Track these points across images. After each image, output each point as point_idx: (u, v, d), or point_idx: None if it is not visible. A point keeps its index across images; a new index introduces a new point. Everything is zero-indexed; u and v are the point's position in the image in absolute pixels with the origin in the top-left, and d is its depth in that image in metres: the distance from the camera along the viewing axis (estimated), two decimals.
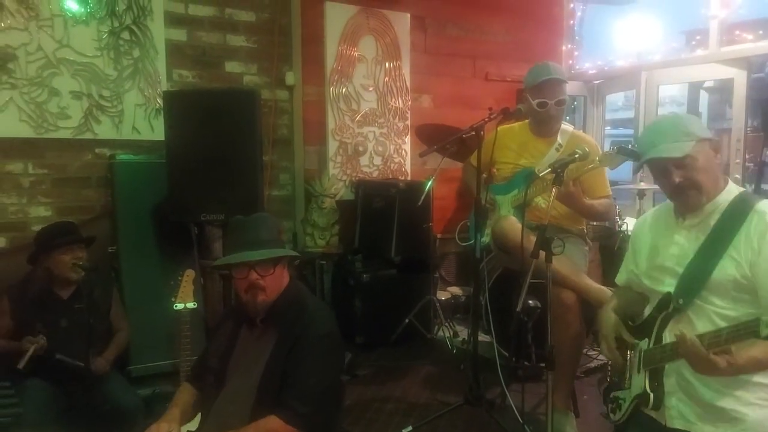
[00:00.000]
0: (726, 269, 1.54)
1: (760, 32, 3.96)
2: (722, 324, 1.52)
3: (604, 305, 1.90)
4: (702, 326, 1.55)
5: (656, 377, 1.64)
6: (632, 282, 1.88)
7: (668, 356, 1.59)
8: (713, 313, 1.56)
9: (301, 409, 1.75)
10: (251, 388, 1.84)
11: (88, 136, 3.53)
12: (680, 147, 1.59)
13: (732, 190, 1.65)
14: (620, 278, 1.96)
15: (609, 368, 1.89)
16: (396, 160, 4.60)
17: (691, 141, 1.60)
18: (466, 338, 3.44)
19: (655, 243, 1.76)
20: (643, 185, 4.08)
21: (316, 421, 1.79)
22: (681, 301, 1.60)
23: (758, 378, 1.52)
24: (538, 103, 2.78)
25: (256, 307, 1.88)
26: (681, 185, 1.62)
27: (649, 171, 1.75)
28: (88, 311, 2.61)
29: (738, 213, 1.58)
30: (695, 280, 1.59)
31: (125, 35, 3.60)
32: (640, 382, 1.67)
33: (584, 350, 3.31)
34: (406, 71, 4.56)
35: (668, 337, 1.62)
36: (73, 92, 3.47)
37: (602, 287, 2.52)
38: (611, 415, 1.81)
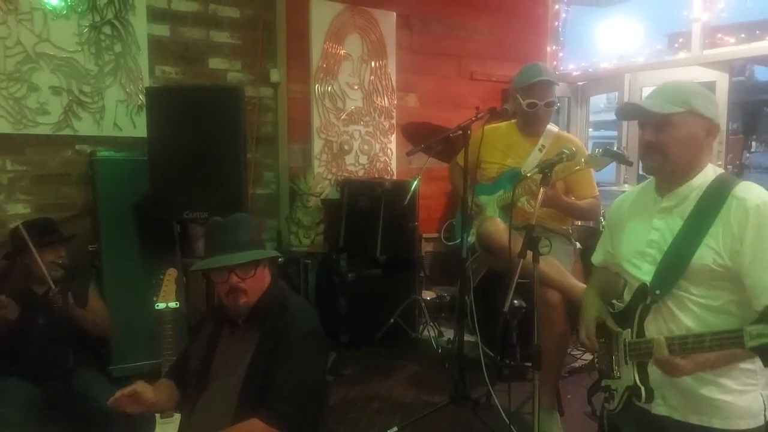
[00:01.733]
0: (703, 258, 1.50)
1: (742, 35, 4.01)
2: (705, 314, 1.51)
3: (585, 287, 1.89)
4: (684, 317, 1.54)
5: (644, 368, 1.61)
6: (609, 263, 1.85)
7: (648, 354, 1.57)
8: (693, 304, 1.53)
9: (283, 410, 1.73)
10: (234, 389, 1.82)
11: (68, 132, 3.47)
12: (663, 106, 1.54)
13: (709, 173, 1.58)
14: (596, 258, 1.91)
15: (596, 356, 1.84)
16: (382, 159, 4.59)
17: (680, 108, 1.54)
18: (451, 338, 3.44)
19: (634, 226, 1.71)
20: (626, 187, 4.11)
21: (299, 422, 1.77)
22: (658, 292, 1.57)
23: (746, 365, 1.50)
24: (528, 104, 2.79)
25: (238, 309, 1.85)
26: (649, 145, 1.58)
27: (620, 117, 1.74)
28: (66, 307, 2.56)
29: (715, 197, 1.52)
30: (672, 269, 1.55)
31: (107, 30, 3.54)
32: (629, 374, 1.64)
33: (569, 350, 3.34)
34: (391, 70, 4.55)
35: (651, 327, 1.59)
36: (53, 87, 3.41)
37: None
38: (606, 404, 1.78)
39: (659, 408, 1.62)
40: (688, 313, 1.54)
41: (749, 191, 1.50)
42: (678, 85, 1.67)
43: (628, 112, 1.70)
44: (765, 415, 1.52)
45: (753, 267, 1.45)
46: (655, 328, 1.58)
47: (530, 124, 2.87)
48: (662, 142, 1.55)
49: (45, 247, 2.60)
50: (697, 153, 1.57)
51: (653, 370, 1.59)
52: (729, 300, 1.51)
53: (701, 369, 1.46)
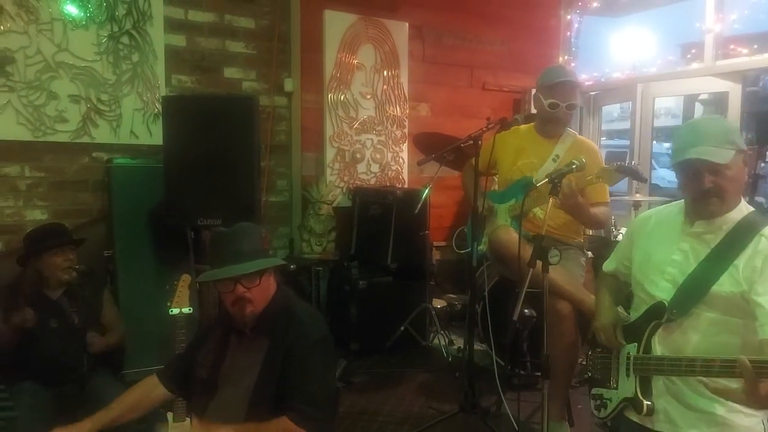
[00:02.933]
0: (723, 286, 1.54)
1: (755, 46, 4.00)
2: (712, 333, 1.56)
3: (597, 291, 1.94)
4: (693, 335, 1.58)
5: (647, 382, 1.65)
6: (620, 273, 1.91)
7: (666, 370, 1.59)
8: (704, 324, 1.57)
9: (312, 413, 1.74)
10: (243, 397, 1.84)
11: (85, 139, 3.53)
12: (723, 154, 1.55)
13: (743, 209, 1.62)
14: (608, 266, 1.95)
15: (588, 364, 1.90)
16: (393, 168, 4.61)
17: (733, 150, 1.56)
18: (462, 346, 3.44)
19: (657, 244, 1.74)
20: (638, 197, 4.10)
21: (321, 425, 1.79)
22: (675, 311, 1.60)
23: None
24: (550, 104, 2.78)
25: (245, 319, 1.87)
26: (709, 191, 1.58)
27: (678, 169, 1.66)
28: (79, 312, 2.60)
29: (745, 232, 1.57)
30: (693, 292, 1.58)
31: (125, 40, 3.61)
32: (630, 386, 1.67)
33: (579, 360, 3.32)
34: (404, 80, 4.58)
35: (657, 345, 1.64)
36: (72, 96, 3.47)
37: None
38: (596, 411, 1.83)
39: (659, 424, 1.63)
40: (696, 332, 1.59)
41: None
42: (717, 123, 1.67)
43: (688, 166, 1.64)
44: None
45: (764, 298, 1.47)
46: (661, 345, 1.64)
47: (549, 124, 2.84)
48: (720, 186, 1.57)
49: (54, 250, 2.64)
50: (741, 186, 1.63)
51: (657, 385, 1.62)
52: (738, 323, 1.55)
53: None
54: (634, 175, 2.31)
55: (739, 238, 1.56)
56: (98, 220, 3.52)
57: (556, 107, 2.77)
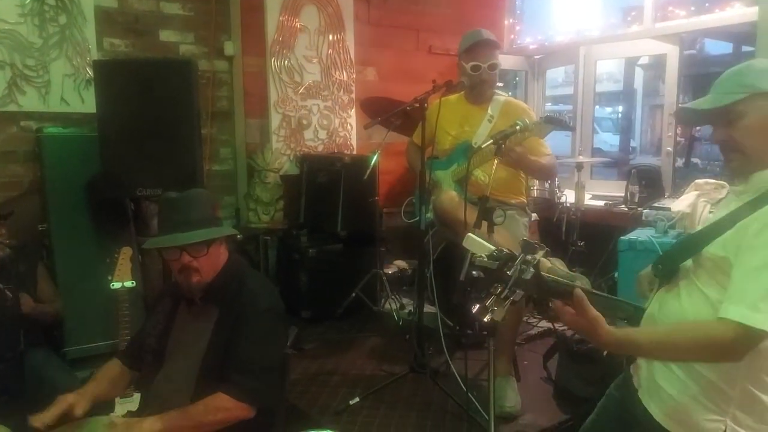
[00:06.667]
0: (712, 248, 1.34)
1: (692, 9, 4.10)
2: (702, 303, 1.35)
3: None
4: (687, 300, 1.38)
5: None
6: None
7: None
8: (696, 289, 1.37)
9: (249, 384, 1.74)
10: (192, 366, 1.81)
11: (12, 108, 3.33)
12: (718, 99, 1.35)
13: None
14: None
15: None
16: (341, 134, 4.56)
17: (741, 94, 1.32)
18: (412, 310, 3.49)
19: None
20: (581, 158, 4.20)
21: (264, 395, 1.78)
22: (660, 267, 1.45)
23: (711, 375, 1.33)
24: (472, 67, 2.81)
25: (191, 287, 1.84)
26: (723, 144, 1.39)
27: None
28: (13, 289, 2.49)
29: None
30: (684, 250, 1.43)
31: (50, 1, 3.38)
32: None
33: (524, 318, 3.43)
34: (350, 43, 4.49)
35: (655, 303, 1.46)
36: None
37: None
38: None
39: (633, 376, 1.52)
40: (688, 297, 1.39)
41: None
42: (739, 68, 1.41)
43: (685, 118, 1.51)
44: None
45: (738, 267, 1.27)
46: (657, 303, 1.46)
47: (476, 89, 2.88)
48: (734, 138, 1.35)
49: None
50: None
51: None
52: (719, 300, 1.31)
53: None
54: (561, 124, 2.37)
55: (764, 200, 1.30)
56: (30, 192, 3.35)
57: (478, 69, 2.80)
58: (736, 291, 1.24)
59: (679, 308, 1.39)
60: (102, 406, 1.91)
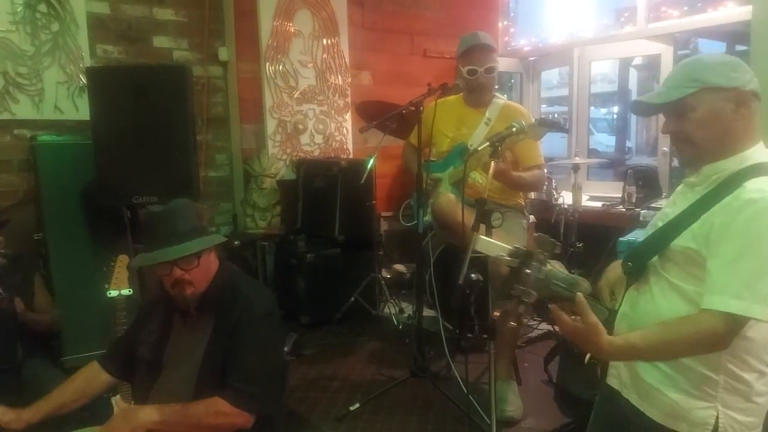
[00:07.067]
0: (681, 241, 1.36)
1: (686, 9, 4.11)
2: (676, 298, 1.37)
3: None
4: (662, 299, 1.40)
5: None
6: None
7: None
8: (668, 285, 1.39)
9: (248, 390, 1.72)
10: (189, 377, 1.79)
11: (5, 116, 3.32)
12: (669, 94, 1.40)
13: (748, 158, 1.37)
14: None
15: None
16: (337, 138, 4.55)
17: (690, 88, 1.37)
18: (412, 314, 3.47)
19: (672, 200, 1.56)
20: (577, 160, 4.20)
21: (263, 402, 1.76)
22: (630, 264, 1.46)
23: (695, 365, 1.35)
24: (468, 71, 2.81)
25: (186, 299, 1.81)
26: (673, 135, 1.44)
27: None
28: (9, 299, 2.47)
29: (730, 186, 1.34)
30: (655, 243, 1.43)
31: (42, 8, 3.37)
32: None
33: (524, 320, 3.41)
34: (344, 47, 4.48)
35: (625, 302, 1.48)
36: None
37: None
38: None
39: (611, 379, 1.55)
40: (660, 293, 1.41)
41: (757, 184, 1.31)
42: (689, 62, 1.46)
43: (639, 110, 1.57)
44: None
45: (713, 259, 1.30)
46: (627, 303, 1.48)
47: (474, 93, 2.88)
48: (683, 129, 1.40)
49: None
50: (727, 131, 1.37)
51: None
52: (698, 291, 1.34)
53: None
54: (556, 126, 2.35)
55: (723, 191, 1.34)
56: (25, 201, 3.34)
57: (475, 73, 2.81)
58: (716, 282, 1.28)
59: (653, 308, 1.40)
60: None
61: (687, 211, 1.40)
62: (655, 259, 1.43)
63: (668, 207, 1.53)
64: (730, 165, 1.38)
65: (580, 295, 1.25)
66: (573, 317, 1.34)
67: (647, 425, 1.43)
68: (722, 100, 1.37)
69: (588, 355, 1.56)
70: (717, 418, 1.35)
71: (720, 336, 1.26)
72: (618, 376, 1.53)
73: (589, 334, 1.28)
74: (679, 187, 1.54)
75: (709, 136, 1.38)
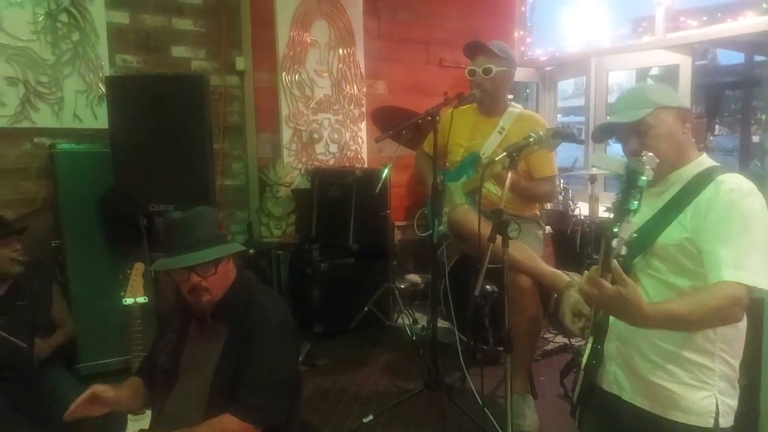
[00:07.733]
0: (671, 234, 1.51)
1: (704, 19, 4.07)
2: (668, 292, 1.50)
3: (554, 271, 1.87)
4: (655, 296, 1.51)
5: (599, 340, 1.63)
6: None
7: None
8: (662, 283, 1.53)
9: (256, 403, 1.71)
10: (204, 385, 1.79)
11: (25, 124, 3.36)
12: (633, 114, 1.58)
13: (703, 163, 1.59)
14: None
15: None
16: (352, 148, 4.55)
17: (648, 108, 1.57)
18: (426, 325, 3.45)
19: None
20: (594, 171, 4.16)
21: (272, 414, 1.75)
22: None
23: (693, 356, 1.49)
24: (468, 72, 2.80)
25: (202, 307, 1.81)
26: (636, 152, 1.55)
27: (605, 139, 1.73)
28: (29, 307, 2.49)
29: (699, 183, 1.53)
30: (638, 244, 1.55)
31: (63, 18, 3.42)
32: (588, 348, 1.65)
33: (541, 333, 3.38)
34: (360, 57, 4.50)
35: None
36: (8, 78, 3.29)
37: (556, 271, 2.55)
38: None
39: (611, 386, 1.63)
40: (653, 289, 1.54)
41: (730, 178, 1.50)
42: (635, 89, 1.72)
43: (602, 134, 1.71)
44: (715, 420, 1.48)
45: (710, 242, 1.45)
46: None
47: (486, 100, 2.82)
48: (648, 145, 1.55)
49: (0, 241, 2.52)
50: (680, 143, 1.60)
51: (610, 348, 1.62)
52: (689, 285, 1.49)
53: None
54: (570, 137, 2.32)
55: (693, 188, 1.53)
56: (44, 209, 3.37)
57: (474, 74, 2.78)
58: (722, 259, 1.41)
59: (646, 297, 1.47)
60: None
61: (663, 210, 1.56)
62: (638, 259, 1.56)
63: (633, 217, 1.59)
64: (691, 169, 1.58)
65: (615, 262, 1.30)
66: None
67: (654, 423, 1.53)
68: (673, 117, 1.59)
69: (585, 361, 1.65)
70: (717, 405, 1.48)
71: (742, 305, 1.39)
72: (616, 382, 1.62)
73: (631, 296, 1.31)
74: (645, 203, 1.59)
75: (668, 149, 1.57)
